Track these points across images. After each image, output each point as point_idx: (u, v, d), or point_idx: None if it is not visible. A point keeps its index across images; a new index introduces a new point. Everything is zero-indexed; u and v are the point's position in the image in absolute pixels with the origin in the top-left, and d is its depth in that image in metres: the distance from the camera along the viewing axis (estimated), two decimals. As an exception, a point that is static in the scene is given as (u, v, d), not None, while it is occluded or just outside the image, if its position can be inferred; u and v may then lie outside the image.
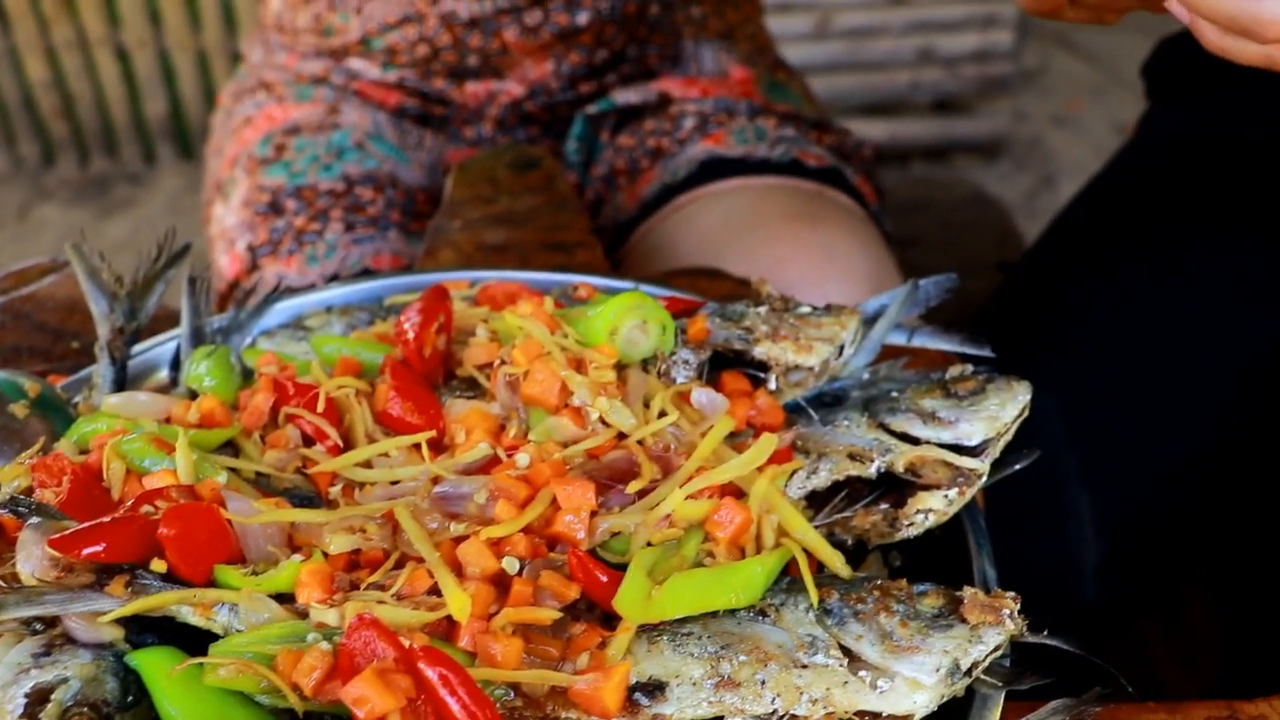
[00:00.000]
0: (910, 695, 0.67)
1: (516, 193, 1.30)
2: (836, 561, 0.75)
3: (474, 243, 1.22)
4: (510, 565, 0.70)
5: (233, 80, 1.76)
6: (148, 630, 0.70)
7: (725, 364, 0.87)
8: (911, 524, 0.78)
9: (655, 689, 0.65)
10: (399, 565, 0.71)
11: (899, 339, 0.94)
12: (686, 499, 0.73)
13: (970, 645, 0.69)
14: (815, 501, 0.80)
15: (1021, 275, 1.47)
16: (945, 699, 0.68)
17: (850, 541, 0.80)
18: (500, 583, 0.69)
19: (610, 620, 0.69)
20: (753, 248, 1.33)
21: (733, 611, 0.70)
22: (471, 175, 1.33)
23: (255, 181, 1.52)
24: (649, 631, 0.69)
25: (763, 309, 0.89)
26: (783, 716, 0.66)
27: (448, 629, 0.67)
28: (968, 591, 0.72)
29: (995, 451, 0.81)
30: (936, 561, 0.82)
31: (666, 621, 0.69)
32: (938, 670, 0.67)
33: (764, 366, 0.86)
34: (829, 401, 0.87)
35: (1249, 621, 1.27)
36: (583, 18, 1.52)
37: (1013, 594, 0.71)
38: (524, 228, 1.24)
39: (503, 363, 0.81)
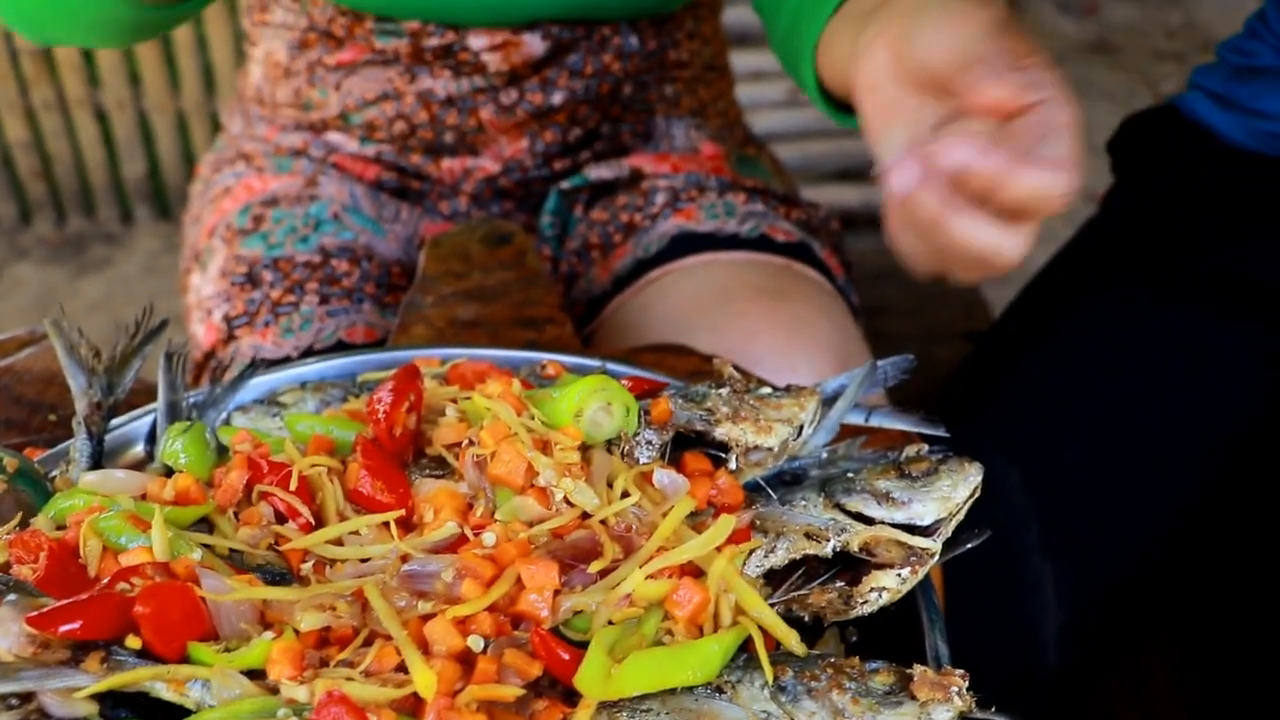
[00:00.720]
0: None
1: (489, 268, 1.32)
2: (791, 639, 0.77)
3: (446, 318, 1.24)
4: (475, 643, 0.72)
5: (211, 151, 1.79)
6: (121, 705, 0.72)
7: (687, 444, 0.90)
8: (866, 602, 0.81)
9: None
10: (368, 643, 0.73)
11: (857, 419, 0.97)
12: (646, 579, 0.76)
13: (924, 712, 0.71)
14: (773, 579, 0.82)
15: (987, 345, 1.50)
16: None
17: (808, 618, 0.82)
18: (466, 660, 0.71)
19: (572, 696, 0.72)
20: (722, 322, 1.36)
21: (690, 688, 0.72)
22: (444, 250, 1.36)
23: (233, 252, 1.54)
24: (609, 708, 0.71)
25: (724, 390, 0.92)
26: None
27: (414, 705, 0.69)
28: (917, 669, 0.74)
29: (947, 531, 0.84)
30: (891, 637, 0.84)
31: (626, 698, 0.71)
32: None
33: (725, 447, 0.89)
34: (788, 480, 0.90)
35: (1213, 683, 1.29)
36: (557, 97, 1.55)
37: (961, 671, 0.73)
38: (495, 303, 1.26)
39: (471, 443, 0.84)
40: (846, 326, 1.41)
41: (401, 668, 0.71)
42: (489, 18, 1.48)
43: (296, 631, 0.73)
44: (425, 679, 0.68)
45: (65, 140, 3.83)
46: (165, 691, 0.71)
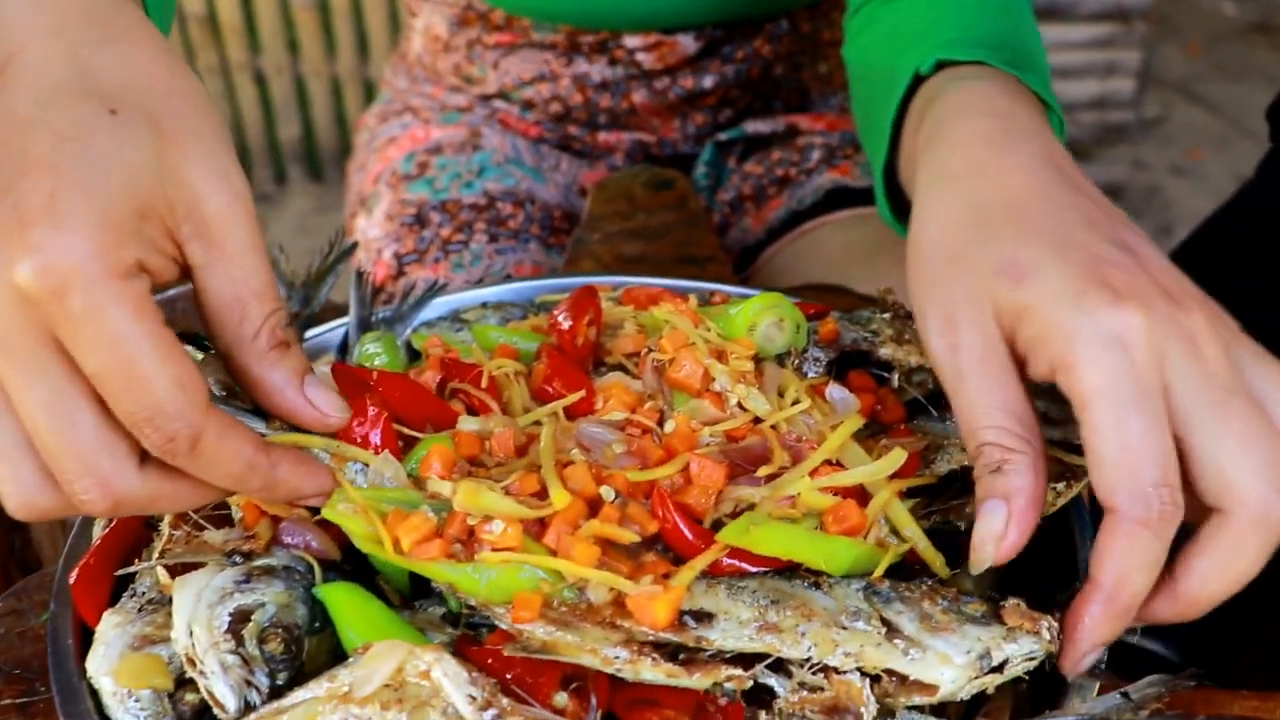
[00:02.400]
0: (939, 668, 0.70)
1: (652, 210, 1.38)
2: (938, 562, 0.81)
3: (612, 254, 1.30)
4: (607, 493, 0.77)
5: (377, 103, 1.87)
6: (332, 570, 0.79)
7: (852, 365, 0.94)
8: (1021, 512, 0.85)
9: (705, 616, 0.71)
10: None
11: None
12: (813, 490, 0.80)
13: (1005, 642, 0.72)
14: (933, 490, 0.86)
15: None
16: (973, 689, 0.72)
17: (963, 526, 0.86)
18: (594, 508, 0.77)
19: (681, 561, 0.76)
20: (876, 272, 1.39)
21: (791, 576, 0.76)
22: (609, 193, 1.42)
23: (398, 196, 1.61)
24: (708, 579, 0.75)
25: (887, 315, 0.96)
26: (815, 664, 0.70)
27: (540, 531, 0.75)
28: (1010, 601, 0.76)
29: (1102, 450, 0.87)
30: (1043, 552, 0.88)
31: (728, 580, 0.75)
32: (968, 653, 0.71)
33: (888, 367, 0.93)
34: (946, 404, 0.94)
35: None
36: (708, 82, 1.60)
37: (1056, 617, 0.74)
38: (659, 242, 1.32)
39: (650, 351, 0.89)
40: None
41: (539, 495, 0.77)
42: (642, 25, 1.53)
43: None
44: (560, 496, 0.75)
45: (226, 103, 3.98)
46: (329, 460, 0.79)
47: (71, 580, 0.80)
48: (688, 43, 1.56)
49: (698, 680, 0.69)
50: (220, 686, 0.70)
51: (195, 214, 0.69)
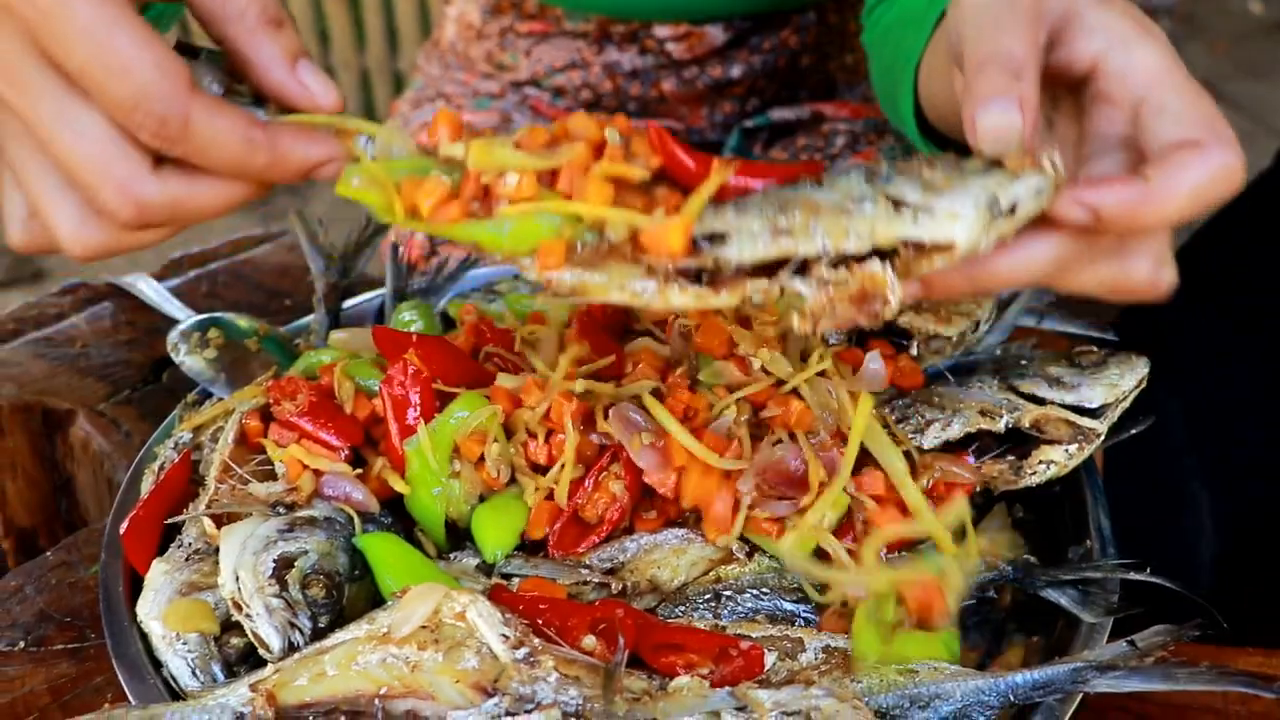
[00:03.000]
0: (949, 224, 0.67)
1: (678, 191, 1.40)
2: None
3: (639, 233, 1.33)
4: (611, 135, 0.74)
5: (410, 89, 1.90)
6: (371, 521, 0.82)
7: (872, 334, 0.97)
8: (1034, 473, 0.88)
9: (717, 237, 0.68)
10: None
11: (1030, 321, 1.03)
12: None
13: (1010, 183, 0.68)
14: (948, 450, 0.89)
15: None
16: (991, 239, 0.68)
17: (979, 488, 0.89)
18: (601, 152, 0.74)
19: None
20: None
21: (795, 185, 0.72)
22: (637, 176, 1.44)
23: (431, 179, 1.65)
24: (717, 204, 0.70)
25: (908, 285, 0.99)
26: (833, 256, 0.68)
27: (552, 180, 0.72)
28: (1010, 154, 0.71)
29: (1113, 415, 0.90)
30: (1056, 513, 0.91)
31: (734, 198, 0.72)
32: (975, 203, 0.67)
33: (907, 335, 0.96)
34: (965, 370, 0.97)
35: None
36: (736, 71, 1.63)
37: (1056, 155, 0.70)
38: (685, 221, 1.34)
39: (677, 317, 0.92)
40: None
41: (550, 144, 0.74)
42: (673, 16, 1.56)
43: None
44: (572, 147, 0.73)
45: (258, 94, 4.01)
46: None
47: (122, 531, 0.83)
48: (716, 33, 1.59)
49: (725, 298, 0.69)
50: (265, 628, 0.73)
51: None
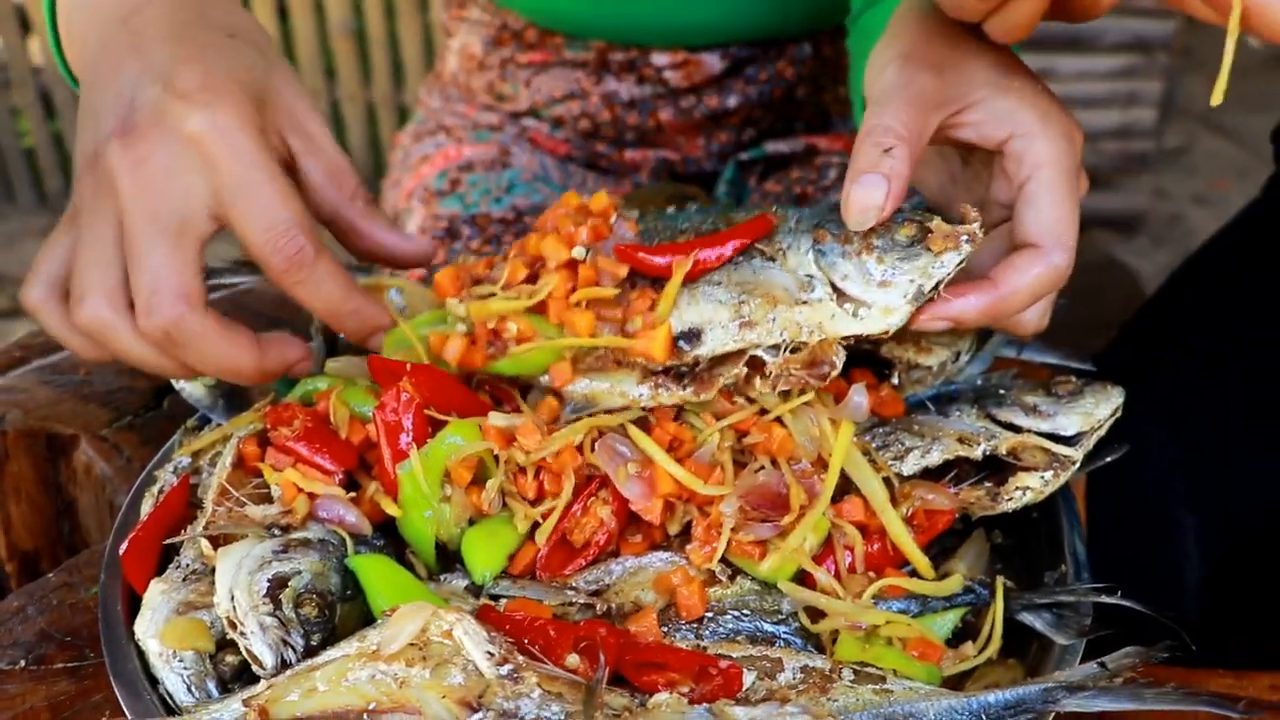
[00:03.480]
0: (884, 319, 0.86)
1: (678, 223, 1.43)
2: (924, 564, 0.88)
3: (633, 264, 1.36)
4: (578, 252, 0.91)
5: (412, 123, 1.93)
6: (363, 543, 0.84)
7: (857, 362, 0.99)
8: (1010, 499, 0.90)
9: (694, 335, 0.86)
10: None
11: (1010, 352, 1.06)
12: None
13: (933, 270, 0.86)
14: (928, 477, 0.92)
15: (1140, 318, 1.57)
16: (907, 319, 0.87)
17: (958, 514, 0.92)
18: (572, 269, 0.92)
19: (659, 284, 0.89)
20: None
21: (750, 260, 0.90)
22: (633, 206, 1.47)
23: (431, 211, 1.68)
24: (690, 287, 0.89)
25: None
26: (789, 344, 0.87)
27: (542, 309, 0.91)
28: (936, 220, 0.88)
29: (1088, 443, 0.92)
30: (1034, 538, 0.93)
31: (703, 278, 0.89)
32: (905, 297, 0.86)
33: (889, 364, 0.99)
34: (945, 400, 0.99)
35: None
36: (732, 101, 1.66)
37: (977, 219, 0.87)
38: (678, 253, 1.37)
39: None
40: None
41: (530, 280, 0.92)
42: (671, 42, 1.60)
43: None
44: (550, 280, 0.90)
45: (264, 126, 4.05)
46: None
47: (121, 552, 0.86)
48: (713, 62, 1.62)
49: (705, 396, 0.88)
50: (259, 645, 0.76)
51: (293, 115, 0.92)
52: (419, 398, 0.87)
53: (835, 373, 0.87)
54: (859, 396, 0.92)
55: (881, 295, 0.86)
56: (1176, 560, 1.34)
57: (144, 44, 0.89)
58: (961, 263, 0.86)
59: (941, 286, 0.86)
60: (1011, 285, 0.87)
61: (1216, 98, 0.72)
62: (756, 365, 0.89)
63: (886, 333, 0.87)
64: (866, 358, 0.99)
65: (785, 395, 0.90)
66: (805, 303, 0.87)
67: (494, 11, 1.69)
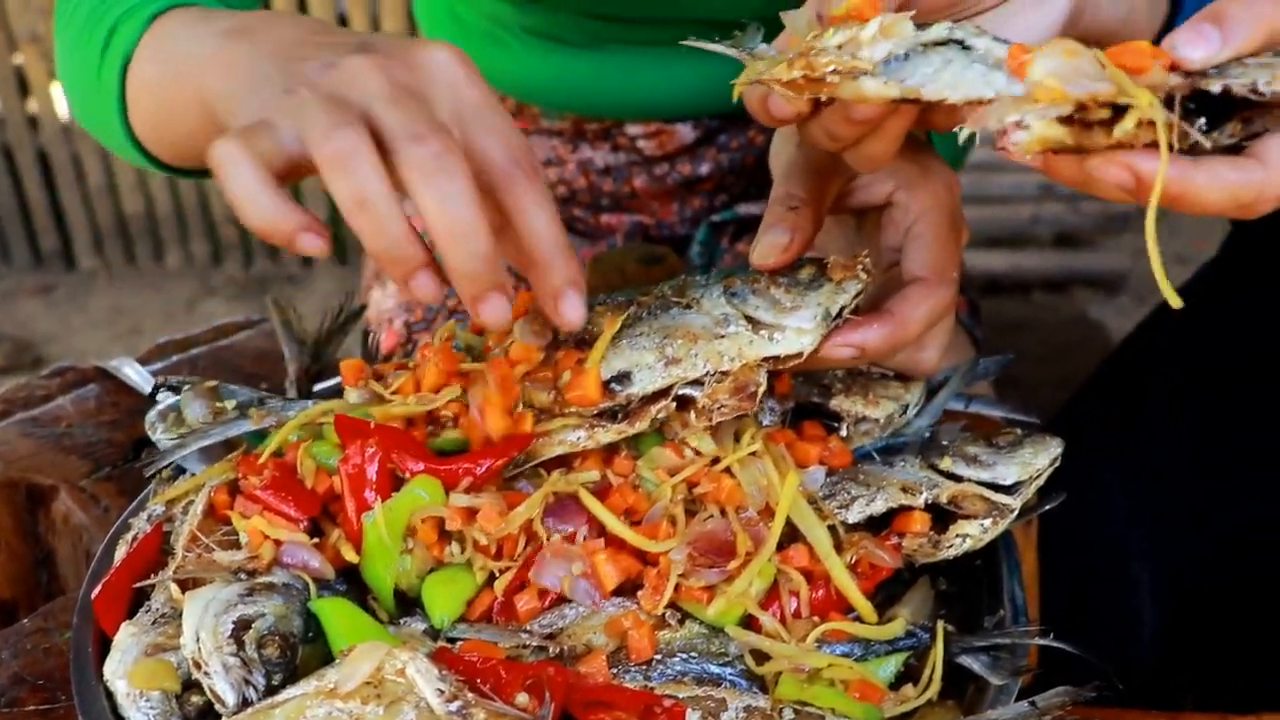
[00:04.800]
0: (798, 339, 0.93)
1: (642, 283, 1.47)
2: (866, 609, 0.91)
3: (602, 322, 1.40)
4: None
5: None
6: (326, 587, 0.88)
7: (807, 415, 1.03)
8: (951, 546, 0.94)
9: (623, 377, 0.90)
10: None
11: (959, 405, 1.10)
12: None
13: (836, 296, 0.95)
14: (872, 525, 0.95)
15: (1101, 372, 1.61)
16: (822, 338, 0.94)
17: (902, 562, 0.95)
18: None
19: (584, 344, 0.94)
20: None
21: (667, 308, 0.97)
22: (604, 267, 1.52)
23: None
24: (615, 342, 0.93)
25: (841, 371, 1.06)
26: (713, 374, 0.92)
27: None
28: (832, 257, 0.97)
29: (1027, 492, 0.96)
30: (976, 585, 0.97)
31: (624, 330, 0.94)
32: (814, 319, 0.93)
33: (838, 417, 1.02)
34: (892, 451, 1.03)
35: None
36: (705, 168, 1.71)
37: (868, 253, 0.98)
38: (647, 311, 1.42)
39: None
40: (965, 351, 1.52)
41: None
42: (644, 115, 1.65)
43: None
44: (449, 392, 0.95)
45: (257, 186, 4.10)
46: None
47: (94, 596, 0.89)
48: (686, 132, 1.67)
49: (639, 426, 0.92)
50: (221, 684, 0.79)
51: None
52: (383, 452, 0.91)
53: (761, 391, 0.93)
54: (816, 473, 0.97)
55: (793, 319, 0.94)
56: (1132, 610, 1.38)
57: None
58: (861, 291, 0.95)
59: (846, 311, 0.95)
60: (906, 314, 0.96)
61: (1174, 302, 0.75)
62: (687, 404, 0.93)
63: (801, 354, 0.93)
64: (816, 410, 1.03)
65: (719, 429, 0.95)
66: (723, 336, 0.93)
67: None
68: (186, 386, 1.05)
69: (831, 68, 0.77)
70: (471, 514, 0.89)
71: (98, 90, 1.08)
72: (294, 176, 0.81)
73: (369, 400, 0.97)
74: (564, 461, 0.95)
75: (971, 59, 0.74)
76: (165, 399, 1.12)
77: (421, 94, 0.82)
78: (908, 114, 0.86)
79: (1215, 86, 0.70)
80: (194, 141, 0.97)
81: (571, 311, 0.83)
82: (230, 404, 1.04)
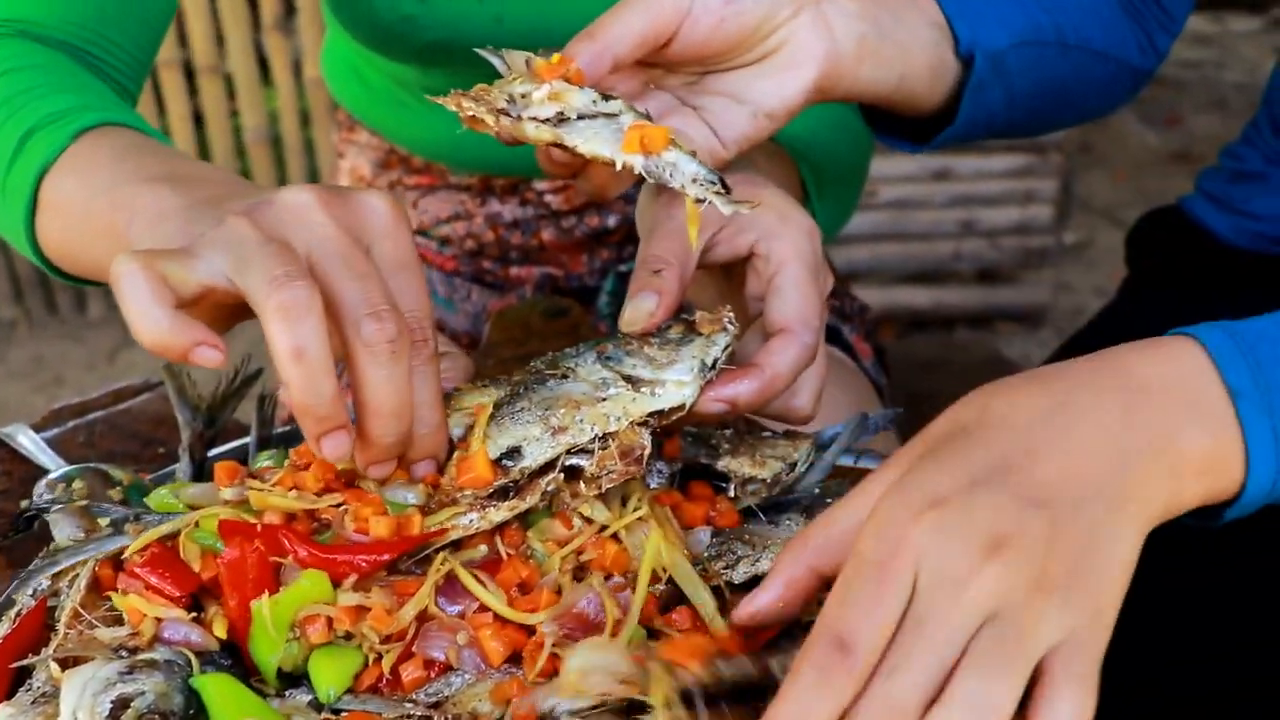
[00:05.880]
0: (679, 391, 0.97)
1: (546, 336, 1.49)
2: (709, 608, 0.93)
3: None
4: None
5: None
6: (209, 663, 0.88)
7: (694, 475, 1.04)
8: (837, 603, 0.95)
9: (514, 453, 0.92)
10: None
11: (848, 461, 1.11)
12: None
13: (708, 348, 0.99)
14: (758, 584, 0.96)
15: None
16: (699, 393, 0.97)
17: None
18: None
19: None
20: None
21: (543, 381, 0.99)
22: (508, 320, 1.53)
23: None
24: (495, 419, 0.96)
25: (728, 431, 1.07)
26: (601, 437, 0.94)
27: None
28: (698, 313, 1.01)
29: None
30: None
31: (504, 407, 0.97)
32: (691, 370, 0.97)
33: (725, 478, 1.04)
34: (782, 508, 1.04)
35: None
36: (612, 220, 1.73)
37: (729, 307, 1.02)
38: (551, 366, 1.43)
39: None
40: (867, 402, 1.55)
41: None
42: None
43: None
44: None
45: (180, 233, 4.08)
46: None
47: (-27, 676, 0.88)
48: None
49: (530, 500, 0.93)
50: (99, 767, 0.79)
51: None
52: (269, 552, 0.90)
53: (646, 452, 0.95)
54: (703, 535, 0.99)
55: (671, 373, 0.97)
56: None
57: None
58: (730, 344, 1.00)
59: (719, 364, 0.99)
60: (774, 366, 0.99)
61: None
62: (576, 473, 0.95)
63: (684, 407, 0.97)
64: (704, 471, 1.04)
65: (607, 496, 0.97)
66: (605, 399, 0.96)
67: (382, 138, 1.75)
68: (56, 507, 1.05)
69: (481, 115, 0.94)
70: (360, 611, 0.89)
71: (1, 188, 1.08)
72: (205, 304, 0.83)
73: (241, 500, 0.96)
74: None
75: (617, 128, 0.93)
76: (57, 470, 1.11)
77: (356, 236, 0.89)
78: (601, 167, 0.97)
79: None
80: (101, 267, 0.98)
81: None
82: (104, 521, 1.02)
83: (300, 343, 0.80)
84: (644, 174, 0.92)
